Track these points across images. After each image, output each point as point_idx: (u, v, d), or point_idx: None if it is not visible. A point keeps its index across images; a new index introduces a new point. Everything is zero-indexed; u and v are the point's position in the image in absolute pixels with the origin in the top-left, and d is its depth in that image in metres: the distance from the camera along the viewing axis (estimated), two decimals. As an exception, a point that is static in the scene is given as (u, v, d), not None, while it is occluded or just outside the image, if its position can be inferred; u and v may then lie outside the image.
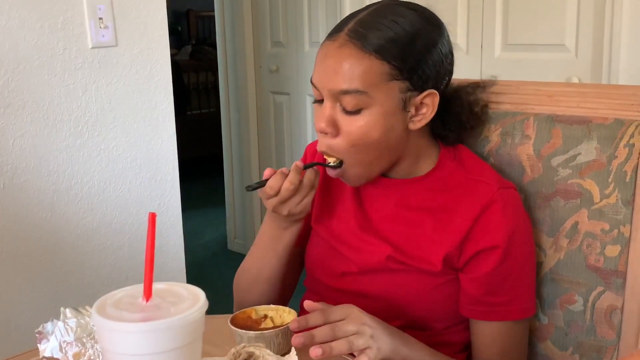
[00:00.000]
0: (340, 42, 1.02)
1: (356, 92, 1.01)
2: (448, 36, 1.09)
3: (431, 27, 1.05)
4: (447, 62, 1.07)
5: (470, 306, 1.10)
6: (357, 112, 1.03)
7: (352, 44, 1.01)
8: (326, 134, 1.05)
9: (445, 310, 1.12)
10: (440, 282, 1.10)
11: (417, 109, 1.06)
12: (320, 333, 0.94)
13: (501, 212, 1.06)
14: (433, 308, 1.12)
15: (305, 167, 1.08)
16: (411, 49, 1.02)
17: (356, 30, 1.02)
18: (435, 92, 1.06)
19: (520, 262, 1.08)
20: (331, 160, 1.07)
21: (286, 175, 1.06)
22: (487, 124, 1.22)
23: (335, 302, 1.02)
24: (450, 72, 1.10)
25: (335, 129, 1.04)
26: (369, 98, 1.02)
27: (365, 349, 0.95)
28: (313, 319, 0.96)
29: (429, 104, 1.06)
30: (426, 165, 1.13)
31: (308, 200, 1.09)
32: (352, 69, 1.01)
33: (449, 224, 1.08)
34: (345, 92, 1.02)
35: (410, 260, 1.10)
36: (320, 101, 1.07)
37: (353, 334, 0.95)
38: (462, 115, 1.15)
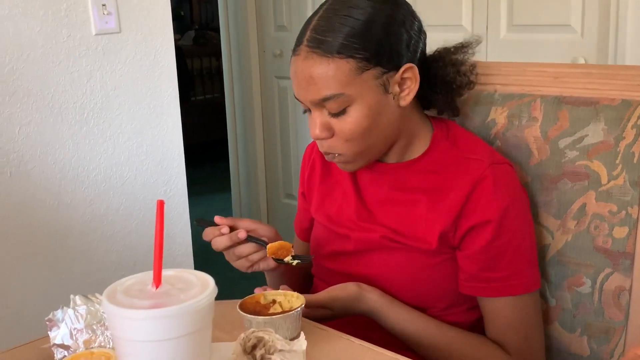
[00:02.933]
0: (304, 55, 1.04)
1: (334, 96, 1.04)
2: (406, 4, 1.09)
3: (384, 6, 1.06)
4: (413, 31, 1.08)
5: (468, 283, 1.10)
6: (343, 112, 1.05)
7: (313, 53, 1.03)
8: (322, 139, 1.08)
9: (444, 290, 1.13)
10: (437, 262, 1.12)
11: (401, 85, 1.08)
12: None
13: (492, 187, 1.07)
14: (431, 288, 1.13)
15: (249, 240, 1.10)
16: (370, 36, 1.03)
17: (314, 38, 1.04)
18: (412, 65, 1.07)
19: (517, 237, 1.09)
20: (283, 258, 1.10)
21: (220, 234, 1.10)
22: (494, 106, 1.22)
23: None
24: (421, 38, 1.10)
25: (329, 131, 1.08)
26: (348, 97, 1.04)
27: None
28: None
29: (410, 77, 1.08)
30: (420, 147, 1.15)
31: (240, 264, 1.13)
32: (321, 76, 1.03)
33: (443, 202, 1.09)
34: (325, 99, 1.04)
35: (406, 239, 1.12)
36: (309, 110, 1.09)
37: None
38: (447, 76, 1.15)
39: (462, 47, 1.18)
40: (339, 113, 1.05)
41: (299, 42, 1.06)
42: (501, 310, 1.10)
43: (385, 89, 1.06)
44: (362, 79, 1.04)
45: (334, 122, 1.06)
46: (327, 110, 1.06)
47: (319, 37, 1.03)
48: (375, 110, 1.06)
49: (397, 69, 1.06)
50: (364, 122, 1.05)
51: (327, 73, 1.02)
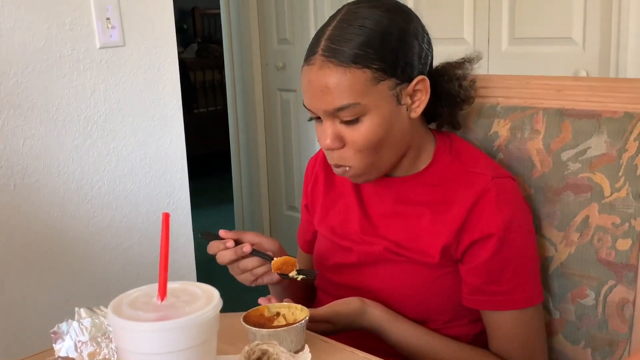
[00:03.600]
0: (319, 64, 1.03)
1: (349, 105, 1.03)
2: (417, 17, 1.10)
3: (397, 18, 1.06)
4: (424, 43, 1.09)
5: (471, 296, 1.10)
6: (356, 121, 1.05)
7: (329, 62, 1.02)
8: (333, 149, 1.08)
9: (446, 303, 1.13)
10: (440, 275, 1.12)
11: (412, 97, 1.08)
12: None
13: (495, 201, 1.07)
14: (433, 300, 1.13)
15: (254, 253, 1.10)
16: (386, 47, 1.03)
17: (329, 48, 1.03)
18: (424, 77, 1.07)
19: (519, 250, 1.09)
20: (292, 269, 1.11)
21: (225, 248, 1.10)
22: (496, 119, 1.23)
23: (340, 298, 1.09)
24: (430, 51, 1.11)
25: (340, 142, 1.07)
26: (362, 107, 1.03)
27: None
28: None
29: (421, 89, 1.08)
30: (423, 160, 1.15)
31: (245, 277, 1.13)
32: (337, 86, 1.02)
33: (446, 216, 1.09)
34: (339, 109, 1.04)
35: (409, 252, 1.12)
36: (316, 118, 1.09)
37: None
38: (452, 90, 1.16)
39: (464, 62, 1.19)
40: (352, 121, 1.05)
41: (312, 52, 1.05)
42: (504, 324, 1.10)
43: (398, 100, 1.06)
44: (377, 90, 1.03)
45: (346, 132, 1.06)
46: (339, 119, 1.05)
47: (334, 47, 1.03)
48: (389, 121, 1.06)
49: (410, 80, 1.06)
50: (377, 132, 1.05)
51: (344, 83, 1.02)
